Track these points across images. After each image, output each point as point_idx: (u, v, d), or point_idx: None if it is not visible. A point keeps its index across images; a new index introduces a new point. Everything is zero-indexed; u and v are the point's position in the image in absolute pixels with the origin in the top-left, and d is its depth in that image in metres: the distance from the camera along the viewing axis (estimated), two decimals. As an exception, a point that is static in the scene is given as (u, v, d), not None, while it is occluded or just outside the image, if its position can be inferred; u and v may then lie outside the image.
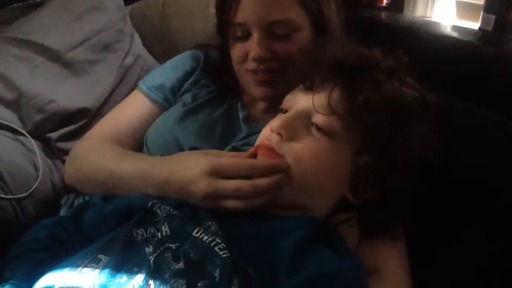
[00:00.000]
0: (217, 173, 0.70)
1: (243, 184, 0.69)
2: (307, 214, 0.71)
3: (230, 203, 0.69)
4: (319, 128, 0.70)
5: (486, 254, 0.79)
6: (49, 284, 0.61)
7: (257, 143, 0.76)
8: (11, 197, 0.96)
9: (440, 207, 0.83)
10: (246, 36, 0.89)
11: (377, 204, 0.73)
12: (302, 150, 0.70)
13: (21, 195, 0.98)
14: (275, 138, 0.72)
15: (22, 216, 0.99)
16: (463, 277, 0.79)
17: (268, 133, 0.74)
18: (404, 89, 0.73)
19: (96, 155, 0.92)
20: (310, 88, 0.74)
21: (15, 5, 1.27)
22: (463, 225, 0.82)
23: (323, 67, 0.74)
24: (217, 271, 0.59)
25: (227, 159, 0.73)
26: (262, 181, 0.68)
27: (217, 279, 0.58)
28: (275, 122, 0.73)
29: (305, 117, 0.72)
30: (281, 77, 0.87)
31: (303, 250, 0.62)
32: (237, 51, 0.92)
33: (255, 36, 0.87)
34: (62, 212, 1.00)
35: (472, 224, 0.81)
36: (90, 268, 0.61)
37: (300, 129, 0.71)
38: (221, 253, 0.60)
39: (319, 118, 0.71)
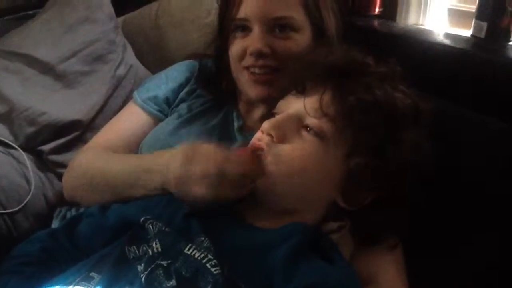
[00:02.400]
0: (191, 158, 0.71)
1: (211, 168, 0.69)
2: (298, 222, 0.70)
3: (198, 189, 0.69)
4: (310, 131, 0.70)
5: (485, 258, 0.78)
6: None
7: (249, 146, 0.76)
8: (2, 211, 0.95)
9: (438, 213, 0.82)
10: (247, 32, 0.90)
11: (369, 211, 0.72)
12: (291, 152, 0.70)
13: (13, 209, 0.97)
14: (265, 139, 0.72)
15: (15, 230, 0.98)
16: (461, 282, 0.79)
17: (259, 135, 0.74)
18: (397, 94, 0.73)
19: (101, 160, 0.92)
20: (302, 92, 0.74)
21: (6, 17, 1.27)
22: (462, 230, 0.81)
23: (315, 71, 0.74)
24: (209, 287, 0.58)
25: (205, 147, 0.73)
26: (232, 169, 0.68)
27: None
28: (266, 124, 0.73)
29: (296, 120, 0.72)
30: (277, 78, 0.87)
31: (295, 260, 0.62)
32: (235, 47, 0.92)
33: (256, 30, 0.88)
34: (54, 225, 0.99)
35: (471, 228, 0.80)
36: (82, 287, 0.60)
37: (291, 132, 0.71)
38: (213, 269, 0.60)
39: (310, 121, 0.71)
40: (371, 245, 0.77)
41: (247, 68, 0.91)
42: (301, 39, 0.90)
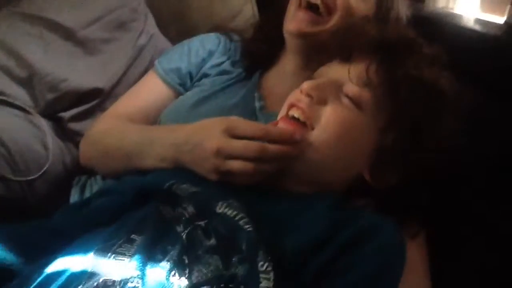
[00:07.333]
0: (231, 131, 0.70)
1: (252, 144, 0.68)
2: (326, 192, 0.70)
3: (237, 164, 0.67)
4: (350, 98, 0.70)
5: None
6: (85, 267, 0.59)
7: (284, 106, 0.75)
8: (22, 179, 0.95)
9: (463, 200, 0.82)
10: None
11: (394, 192, 0.71)
12: (330, 115, 0.70)
13: (32, 177, 0.97)
14: (305, 99, 0.71)
15: (31, 197, 0.98)
16: (485, 273, 0.79)
17: (298, 95, 0.72)
18: (443, 79, 0.73)
19: (117, 129, 0.92)
20: (347, 60, 0.74)
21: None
22: (486, 220, 0.81)
23: (365, 41, 0.74)
24: (244, 244, 0.58)
25: (244, 120, 0.73)
26: (272, 146, 0.67)
27: (244, 253, 0.58)
28: (306, 84, 0.71)
29: (337, 86, 0.71)
30: (320, 22, 0.88)
31: (333, 216, 0.62)
32: None
33: None
34: (73, 192, 1.00)
35: (496, 218, 0.81)
36: (124, 249, 0.60)
37: (331, 95, 0.71)
38: (246, 227, 0.60)
39: (351, 88, 0.70)
40: None
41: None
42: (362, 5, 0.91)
